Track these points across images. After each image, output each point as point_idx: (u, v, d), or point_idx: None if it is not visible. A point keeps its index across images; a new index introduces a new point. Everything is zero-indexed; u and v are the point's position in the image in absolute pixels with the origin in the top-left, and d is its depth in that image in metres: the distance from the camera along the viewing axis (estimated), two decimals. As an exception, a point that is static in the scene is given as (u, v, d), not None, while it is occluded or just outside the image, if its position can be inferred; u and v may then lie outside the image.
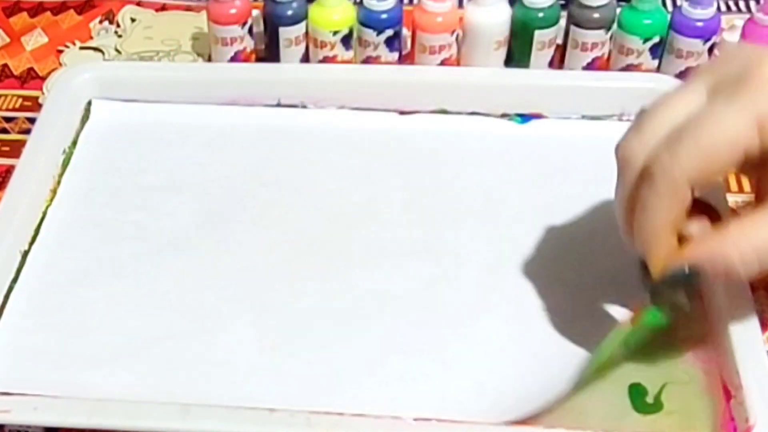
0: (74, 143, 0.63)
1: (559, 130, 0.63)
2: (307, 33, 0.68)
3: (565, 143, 0.62)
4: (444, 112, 0.64)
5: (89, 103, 0.65)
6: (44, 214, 0.59)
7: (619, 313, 0.52)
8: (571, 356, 0.50)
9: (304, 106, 0.65)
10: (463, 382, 0.50)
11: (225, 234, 0.58)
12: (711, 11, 0.65)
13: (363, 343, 0.52)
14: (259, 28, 0.70)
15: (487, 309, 0.53)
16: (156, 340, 0.52)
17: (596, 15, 0.66)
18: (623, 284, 0.54)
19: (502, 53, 0.68)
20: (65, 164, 0.62)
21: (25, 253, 0.56)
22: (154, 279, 0.55)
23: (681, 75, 0.66)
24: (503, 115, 0.64)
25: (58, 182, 0.61)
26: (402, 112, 0.64)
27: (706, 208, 0.47)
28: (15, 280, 0.55)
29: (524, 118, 0.64)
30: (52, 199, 0.60)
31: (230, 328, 0.53)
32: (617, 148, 0.46)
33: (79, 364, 0.51)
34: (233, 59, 0.69)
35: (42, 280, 0.55)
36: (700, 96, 0.44)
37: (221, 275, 0.55)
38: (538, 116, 0.64)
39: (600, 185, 0.58)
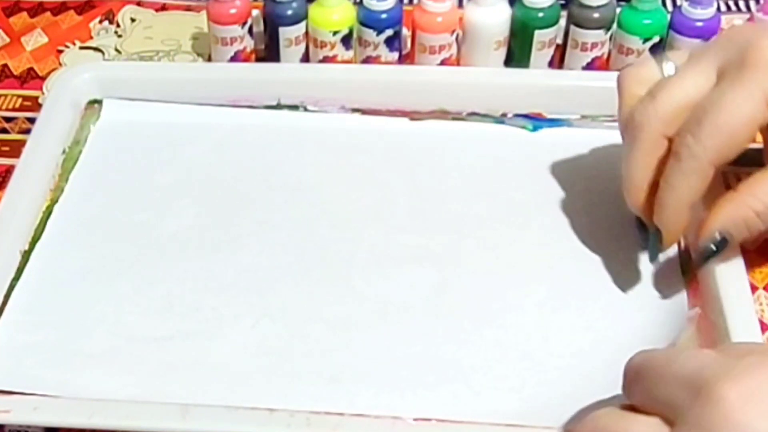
0: (84, 141, 0.63)
1: (569, 137, 0.63)
2: (307, 33, 0.68)
3: (575, 151, 0.62)
4: (444, 112, 0.64)
5: (96, 102, 0.65)
6: (50, 211, 0.59)
7: (625, 322, 0.52)
8: (575, 364, 0.50)
9: (304, 106, 0.65)
10: (463, 390, 0.49)
11: (229, 236, 0.58)
12: (711, 11, 0.65)
13: (363, 349, 0.51)
14: (259, 28, 0.70)
15: (489, 317, 0.53)
16: (157, 341, 0.52)
17: (596, 15, 0.66)
18: (631, 291, 0.54)
19: (502, 53, 0.68)
20: (73, 162, 0.62)
21: (27, 252, 0.56)
22: (157, 279, 0.55)
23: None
24: (502, 115, 0.64)
25: (66, 179, 0.61)
26: (412, 118, 0.64)
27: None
28: (17, 277, 0.55)
29: (535, 126, 0.63)
30: (58, 197, 0.60)
31: (231, 330, 0.52)
32: (630, 115, 0.50)
33: (79, 363, 0.51)
34: (233, 59, 0.69)
35: (45, 278, 0.55)
36: (709, 76, 0.49)
37: (224, 277, 0.55)
38: (542, 118, 0.64)
39: (608, 192, 0.59)
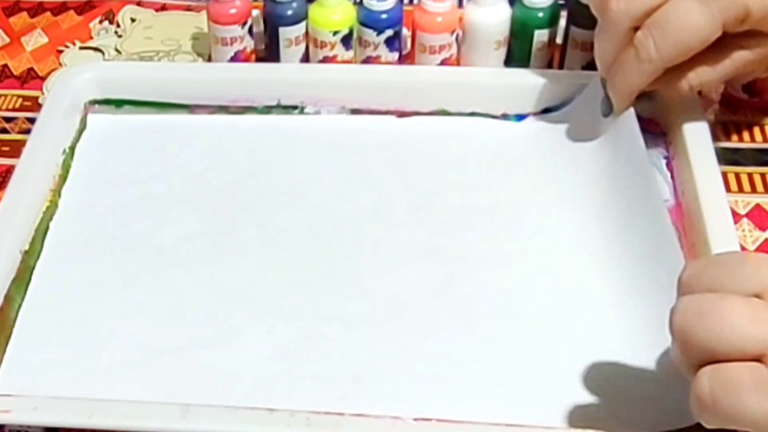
0: (71, 154, 0.63)
1: (556, 125, 0.63)
2: (307, 33, 0.68)
3: (563, 139, 0.62)
4: (444, 112, 0.64)
5: (96, 102, 0.65)
6: (47, 227, 0.58)
7: (634, 304, 0.52)
8: (587, 355, 0.50)
9: (304, 107, 0.65)
10: (479, 384, 0.50)
11: (232, 241, 0.57)
12: (711, 11, 0.64)
13: (382, 347, 0.51)
14: (259, 28, 0.70)
15: (501, 308, 0.53)
16: (172, 351, 0.52)
17: (596, 15, 0.65)
18: (637, 272, 0.54)
19: (502, 53, 0.68)
20: (65, 174, 0.62)
21: (30, 269, 0.56)
22: (164, 289, 0.55)
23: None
24: (503, 115, 0.64)
25: (60, 187, 0.60)
26: (401, 114, 0.64)
27: None
28: (23, 297, 0.55)
29: (519, 116, 0.64)
30: (54, 212, 0.59)
31: (243, 336, 0.52)
32: (605, 6, 0.55)
33: (94, 379, 0.51)
34: (233, 59, 0.69)
35: (50, 296, 0.55)
36: None
37: (232, 283, 0.55)
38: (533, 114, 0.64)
39: (600, 179, 0.59)
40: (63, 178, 0.62)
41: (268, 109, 0.65)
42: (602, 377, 0.49)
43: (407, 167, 0.62)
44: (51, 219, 0.59)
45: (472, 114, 0.64)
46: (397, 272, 0.55)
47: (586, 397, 0.49)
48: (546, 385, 0.49)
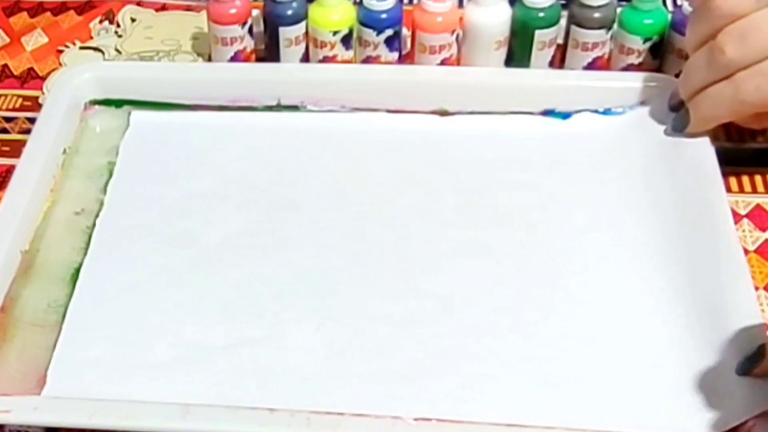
0: (115, 153, 0.63)
1: (602, 124, 0.63)
2: (307, 33, 0.68)
3: (608, 137, 0.62)
4: (444, 112, 0.64)
5: (96, 102, 0.65)
6: (93, 224, 0.59)
7: (684, 308, 0.52)
8: (637, 355, 0.50)
9: (304, 106, 0.65)
10: (530, 384, 0.50)
11: (277, 240, 0.57)
12: (711, 11, 0.64)
13: (434, 346, 0.51)
14: (259, 28, 0.70)
15: (552, 307, 0.53)
16: (222, 349, 0.51)
17: (597, 15, 0.66)
18: (686, 277, 0.54)
19: (503, 53, 0.68)
20: (108, 175, 0.62)
21: (76, 269, 0.56)
22: (211, 287, 0.55)
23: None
24: (549, 113, 0.64)
25: (104, 192, 0.61)
26: (442, 114, 0.64)
27: None
28: (70, 295, 0.55)
29: (566, 114, 0.63)
30: (99, 211, 0.59)
31: (292, 334, 0.52)
32: (720, 47, 0.54)
33: (142, 377, 0.50)
34: (233, 59, 0.69)
35: (97, 293, 0.55)
36: None
37: (280, 282, 0.55)
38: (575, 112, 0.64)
39: (650, 179, 0.59)
40: (108, 174, 0.62)
41: (268, 109, 0.65)
42: (652, 379, 0.49)
43: (452, 166, 0.61)
44: (97, 216, 0.59)
45: (472, 113, 0.64)
46: (446, 271, 0.55)
47: (638, 399, 0.48)
48: (597, 385, 0.49)
